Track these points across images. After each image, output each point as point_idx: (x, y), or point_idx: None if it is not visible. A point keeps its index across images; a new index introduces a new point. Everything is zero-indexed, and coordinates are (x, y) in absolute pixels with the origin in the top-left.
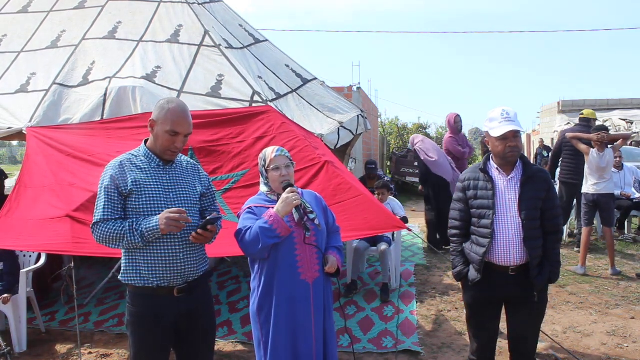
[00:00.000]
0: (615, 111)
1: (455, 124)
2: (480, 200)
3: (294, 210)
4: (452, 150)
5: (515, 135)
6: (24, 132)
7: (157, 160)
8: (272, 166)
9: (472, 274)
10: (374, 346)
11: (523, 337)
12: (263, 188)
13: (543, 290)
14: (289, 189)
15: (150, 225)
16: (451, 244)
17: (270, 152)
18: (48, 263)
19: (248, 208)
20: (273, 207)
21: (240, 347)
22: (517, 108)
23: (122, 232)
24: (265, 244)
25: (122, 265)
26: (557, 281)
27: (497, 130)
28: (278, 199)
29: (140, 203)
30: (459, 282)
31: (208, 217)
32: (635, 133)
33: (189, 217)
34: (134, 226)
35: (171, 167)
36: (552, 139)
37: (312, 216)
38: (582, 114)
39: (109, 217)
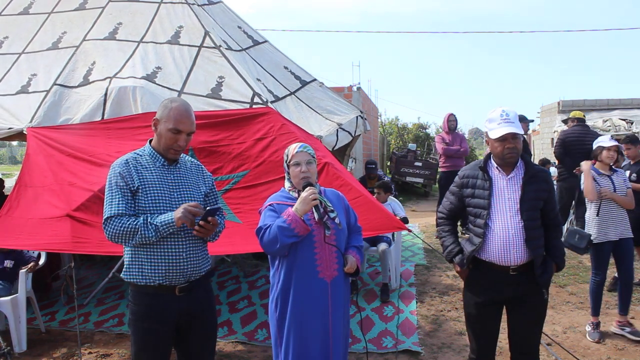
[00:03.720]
0: (615, 111)
1: (447, 123)
2: (477, 200)
3: (314, 209)
4: (437, 148)
5: (514, 136)
6: (24, 132)
7: (162, 159)
8: (293, 162)
9: (460, 259)
10: (374, 346)
11: (524, 338)
12: (286, 184)
13: (544, 290)
14: (308, 187)
15: (166, 219)
16: (438, 227)
17: (293, 148)
18: (47, 263)
19: (269, 205)
20: (293, 205)
21: (240, 347)
22: (517, 108)
23: (137, 227)
24: (283, 243)
25: (125, 263)
26: (563, 269)
27: (496, 131)
28: (299, 195)
29: (145, 202)
30: (459, 282)
31: (208, 209)
32: (635, 133)
33: (203, 212)
34: (149, 220)
35: (175, 167)
36: (552, 139)
37: (332, 215)
38: (584, 115)
39: (123, 212)
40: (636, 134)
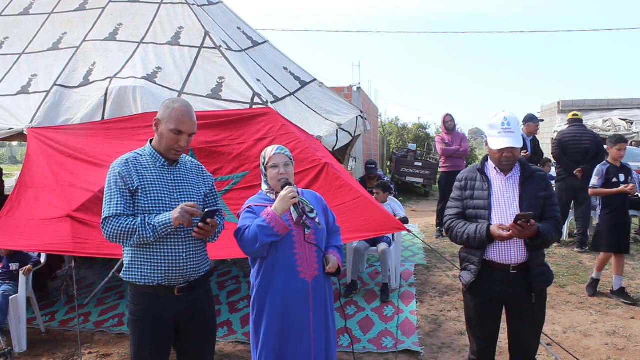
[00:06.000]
0: (615, 111)
1: (444, 124)
2: (476, 201)
3: (292, 209)
4: (437, 148)
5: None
6: (24, 133)
7: (162, 160)
8: (270, 164)
9: (466, 277)
10: (374, 346)
11: (524, 339)
12: (263, 186)
13: (542, 292)
14: (287, 187)
15: (163, 219)
16: (452, 225)
17: (270, 150)
18: (45, 263)
19: (248, 207)
20: (271, 205)
21: (240, 347)
22: (517, 108)
23: (134, 227)
24: (263, 242)
25: (125, 263)
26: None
27: (495, 142)
28: (276, 197)
29: (145, 202)
30: (459, 282)
31: (207, 210)
32: (635, 133)
33: (201, 212)
34: (147, 220)
35: (176, 167)
36: (552, 138)
37: (312, 215)
38: (576, 115)
39: (122, 212)
40: (635, 134)
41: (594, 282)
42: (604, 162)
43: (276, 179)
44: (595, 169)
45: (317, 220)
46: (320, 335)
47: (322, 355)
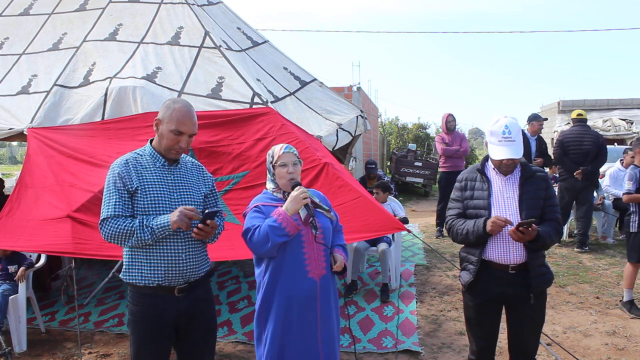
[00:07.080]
0: (615, 111)
1: (446, 123)
2: (476, 201)
3: (301, 209)
4: (437, 148)
5: None
6: (25, 133)
7: (162, 160)
8: (279, 163)
9: (465, 277)
10: (374, 346)
11: (523, 339)
12: (269, 185)
13: (542, 293)
14: (298, 187)
15: (162, 222)
16: (452, 224)
17: (278, 149)
18: (47, 262)
19: (255, 207)
20: (280, 205)
21: (240, 347)
22: (517, 108)
23: (132, 229)
24: (274, 243)
25: (124, 264)
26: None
27: (495, 151)
28: (284, 196)
29: (145, 202)
30: (459, 282)
31: (206, 211)
32: (635, 133)
33: (200, 216)
34: (145, 223)
35: (176, 168)
36: (552, 139)
37: (321, 211)
38: (581, 115)
39: (120, 213)
40: (635, 134)
41: (629, 304)
42: (633, 165)
43: (286, 178)
44: (627, 174)
45: (331, 213)
46: (326, 334)
47: (328, 354)
